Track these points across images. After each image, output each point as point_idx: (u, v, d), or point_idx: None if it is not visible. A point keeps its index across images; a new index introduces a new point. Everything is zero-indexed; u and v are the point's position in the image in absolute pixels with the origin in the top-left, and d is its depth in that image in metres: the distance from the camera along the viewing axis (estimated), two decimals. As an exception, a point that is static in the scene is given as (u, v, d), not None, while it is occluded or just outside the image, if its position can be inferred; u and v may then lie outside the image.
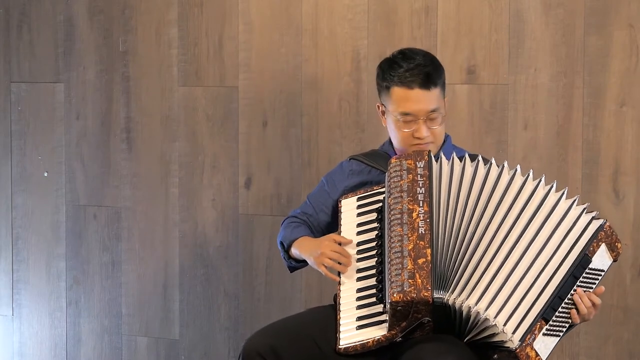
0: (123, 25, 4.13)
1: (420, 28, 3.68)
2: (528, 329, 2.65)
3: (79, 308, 4.29)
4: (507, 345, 2.65)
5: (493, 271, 2.70)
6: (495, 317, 2.64)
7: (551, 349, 2.71)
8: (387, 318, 2.75)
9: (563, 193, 2.79)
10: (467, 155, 2.88)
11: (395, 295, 2.66)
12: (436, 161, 2.86)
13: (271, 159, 3.93)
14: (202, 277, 4.08)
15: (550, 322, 2.69)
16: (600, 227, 2.76)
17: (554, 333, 2.72)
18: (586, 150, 3.51)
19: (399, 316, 2.70)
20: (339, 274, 2.91)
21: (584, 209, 2.78)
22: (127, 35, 4.12)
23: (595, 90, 3.49)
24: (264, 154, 3.94)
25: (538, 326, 2.66)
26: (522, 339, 2.64)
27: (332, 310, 2.93)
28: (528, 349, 2.65)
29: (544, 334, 2.68)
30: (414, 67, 2.92)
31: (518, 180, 2.81)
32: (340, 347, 2.81)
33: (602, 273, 2.79)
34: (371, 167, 3.08)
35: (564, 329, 2.75)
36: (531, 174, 2.81)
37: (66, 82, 4.24)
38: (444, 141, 3.07)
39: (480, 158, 2.85)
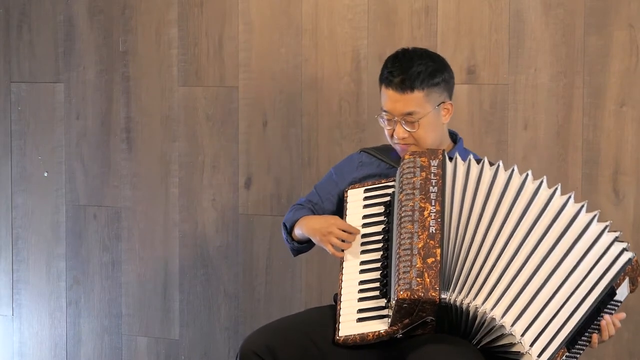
0: (123, 25, 4.13)
1: (420, 28, 3.68)
2: (552, 355, 2.64)
3: (79, 308, 4.29)
4: None
5: (520, 284, 2.66)
6: (522, 335, 2.62)
7: None
8: (390, 313, 2.75)
9: (595, 215, 2.75)
10: (485, 159, 2.86)
11: (402, 292, 2.66)
12: (450, 161, 2.86)
13: (271, 159, 3.93)
14: (202, 277, 4.08)
15: (571, 349, 2.70)
16: (629, 262, 2.74)
17: (572, 358, 2.73)
18: (586, 150, 3.51)
19: (403, 313, 2.70)
20: (341, 264, 2.92)
21: (616, 237, 2.74)
22: (127, 35, 4.12)
23: (595, 90, 3.49)
24: (264, 154, 3.94)
25: (560, 353, 2.65)
26: None
27: (331, 311, 2.92)
28: None
29: None
30: (394, 69, 2.95)
31: (544, 192, 2.77)
32: (339, 337, 2.80)
33: (620, 304, 2.78)
34: (381, 161, 3.08)
35: (579, 356, 2.75)
36: (559, 188, 2.78)
37: (66, 82, 4.23)
38: (455, 143, 3.08)
39: (500, 164, 2.83)
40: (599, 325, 2.73)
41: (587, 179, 3.50)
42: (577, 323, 2.67)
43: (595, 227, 2.74)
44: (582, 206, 2.76)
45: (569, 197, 2.77)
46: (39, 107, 4.29)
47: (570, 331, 2.66)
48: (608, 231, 2.75)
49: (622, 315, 2.80)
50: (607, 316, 2.73)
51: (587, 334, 2.72)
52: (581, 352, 2.74)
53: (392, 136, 2.99)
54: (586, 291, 2.69)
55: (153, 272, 4.15)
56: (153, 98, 4.10)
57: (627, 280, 2.76)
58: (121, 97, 4.15)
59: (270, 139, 3.93)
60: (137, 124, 4.13)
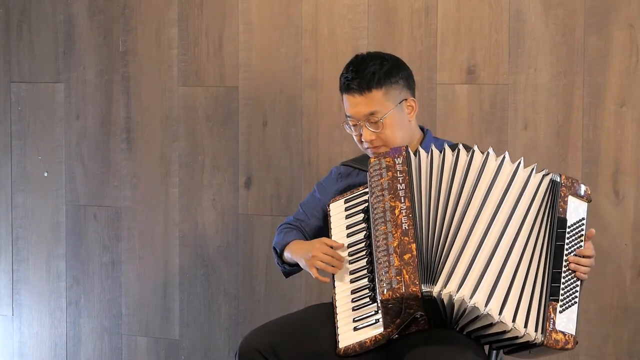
0: (123, 25, 4.13)
1: (420, 28, 3.68)
2: (544, 318, 2.64)
3: (79, 308, 4.29)
4: (534, 342, 2.65)
5: (497, 267, 2.68)
6: (514, 320, 2.63)
7: (576, 318, 2.70)
8: (381, 316, 2.76)
9: (519, 163, 2.79)
10: (446, 145, 2.89)
11: (385, 293, 2.67)
12: (415, 156, 2.88)
13: (271, 159, 3.93)
14: (202, 277, 4.08)
15: (560, 298, 2.68)
16: (557, 184, 2.77)
17: (571, 304, 2.71)
18: (586, 150, 3.51)
19: (391, 313, 2.72)
20: (332, 276, 2.92)
21: (544, 174, 2.79)
22: (127, 35, 4.12)
23: (595, 90, 3.49)
24: (264, 154, 3.94)
25: (551, 309, 2.66)
26: (543, 331, 2.64)
27: (332, 308, 2.93)
28: (554, 335, 2.65)
29: (561, 312, 2.68)
30: (349, 74, 3.01)
31: (507, 166, 2.82)
32: (340, 349, 2.82)
33: (584, 221, 2.78)
34: (359, 170, 3.10)
35: (577, 293, 2.74)
36: (522, 161, 2.82)
37: (66, 82, 4.24)
38: (424, 136, 3.09)
39: (460, 146, 2.87)
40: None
41: (587, 179, 3.50)
42: (547, 274, 2.69)
43: (523, 174, 2.80)
44: (550, 175, 2.79)
45: (532, 168, 2.82)
46: (39, 107, 4.29)
47: (546, 285, 2.67)
48: (536, 172, 2.80)
49: (592, 232, 2.81)
50: (570, 257, 2.73)
51: (565, 273, 2.72)
52: (576, 289, 2.73)
53: (361, 142, 3.03)
54: (541, 242, 2.71)
55: (153, 272, 4.15)
56: (153, 98, 4.10)
57: (571, 199, 2.75)
58: (121, 97, 4.15)
59: (270, 139, 3.93)
60: (137, 124, 4.13)
